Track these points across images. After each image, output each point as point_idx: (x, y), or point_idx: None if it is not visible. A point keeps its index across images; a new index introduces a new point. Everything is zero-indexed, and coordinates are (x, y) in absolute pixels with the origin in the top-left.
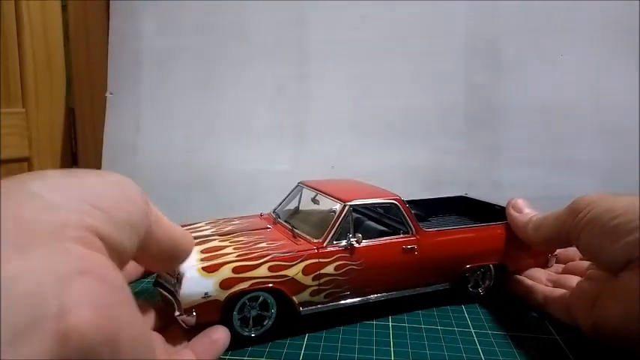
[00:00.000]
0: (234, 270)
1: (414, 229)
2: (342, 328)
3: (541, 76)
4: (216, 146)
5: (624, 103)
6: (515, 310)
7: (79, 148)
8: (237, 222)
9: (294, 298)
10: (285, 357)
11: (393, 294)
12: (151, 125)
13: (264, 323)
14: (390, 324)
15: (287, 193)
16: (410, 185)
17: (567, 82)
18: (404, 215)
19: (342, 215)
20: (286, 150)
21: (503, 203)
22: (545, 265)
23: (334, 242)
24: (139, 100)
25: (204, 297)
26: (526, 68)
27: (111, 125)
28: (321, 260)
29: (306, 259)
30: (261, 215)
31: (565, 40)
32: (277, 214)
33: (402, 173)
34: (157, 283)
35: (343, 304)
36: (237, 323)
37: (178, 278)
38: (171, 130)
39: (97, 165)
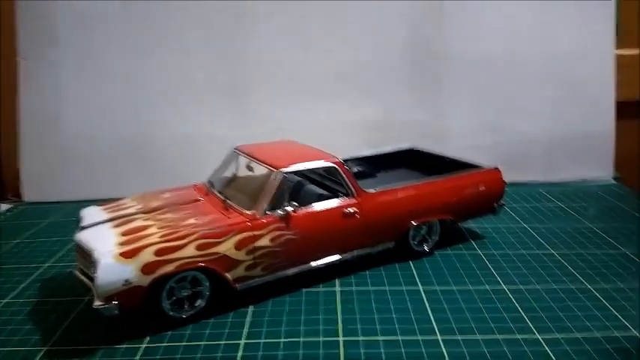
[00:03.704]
0: (157, 252)
1: (354, 192)
2: (287, 298)
3: (485, 24)
4: (148, 112)
5: (571, 50)
6: (462, 263)
7: None
8: (167, 195)
9: (228, 274)
10: (227, 337)
11: (336, 259)
12: (73, 93)
13: (196, 304)
14: (337, 289)
15: (221, 160)
16: (357, 141)
17: (512, 31)
18: (343, 178)
19: (277, 183)
20: (226, 112)
21: (451, 153)
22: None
23: (268, 212)
24: (58, 65)
25: (124, 284)
26: (469, 18)
27: (27, 94)
28: (255, 233)
29: (238, 233)
30: (194, 186)
31: None
32: (211, 184)
33: (349, 129)
34: (77, 269)
35: (283, 274)
36: (167, 307)
37: (94, 265)
38: (97, 97)
39: (16, 138)
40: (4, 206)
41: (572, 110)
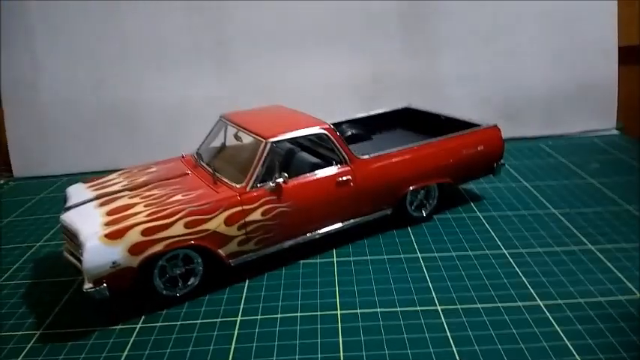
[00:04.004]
0: (144, 232)
1: (347, 159)
2: (284, 270)
3: None
4: (129, 76)
5: None
6: (462, 227)
7: None
8: (153, 169)
9: (220, 251)
10: (223, 314)
11: (331, 229)
12: (49, 57)
13: (190, 282)
14: (335, 259)
15: (209, 129)
16: (349, 99)
17: None
18: (335, 145)
19: (265, 154)
20: (210, 73)
21: (448, 106)
22: (493, 174)
23: (258, 185)
24: (31, 29)
25: (112, 266)
26: None
27: (3, 62)
28: (245, 207)
29: (228, 209)
30: (182, 157)
31: None
32: (199, 155)
33: (339, 87)
34: (66, 250)
35: (278, 247)
36: (160, 286)
37: (80, 248)
38: (75, 62)
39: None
40: None
41: (573, 58)
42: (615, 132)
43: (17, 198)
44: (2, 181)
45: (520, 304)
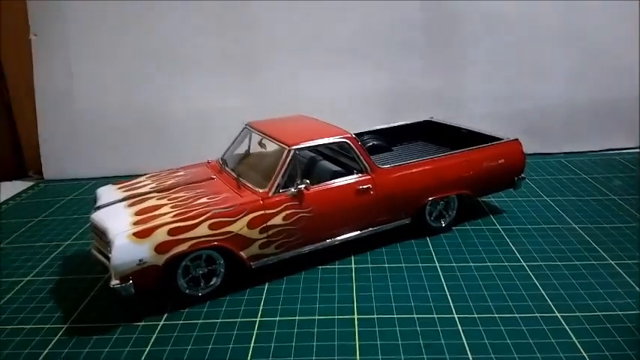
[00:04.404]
0: (170, 232)
1: (368, 168)
2: (303, 275)
3: None
4: (158, 85)
5: (594, 8)
6: (481, 239)
7: (11, 97)
8: (180, 173)
9: (242, 253)
10: (243, 314)
11: (350, 236)
12: (83, 67)
13: (212, 282)
14: (353, 266)
15: (234, 137)
16: (371, 111)
17: None
18: (357, 154)
19: (288, 161)
20: (236, 83)
21: (469, 122)
22: (514, 188)
23: (280, 191)
24: (67, 39)
25: (139, 264)
26: None
27: (40, 70)
28: (267, 212)
29: (251, 212)
30: (208, 163)
31: None
32: (224, 161)
33: (362, 99)
34: (94, 248)
35: (298, 252)
36: (184, 285)
37: (109, 246)
38: (107, 71)
39: (33, 115)
40: (26, 184)
41: (595, 75)
42: (638, 150)
43: (47, 199)
44: (33, 183)
45: (537, 315)
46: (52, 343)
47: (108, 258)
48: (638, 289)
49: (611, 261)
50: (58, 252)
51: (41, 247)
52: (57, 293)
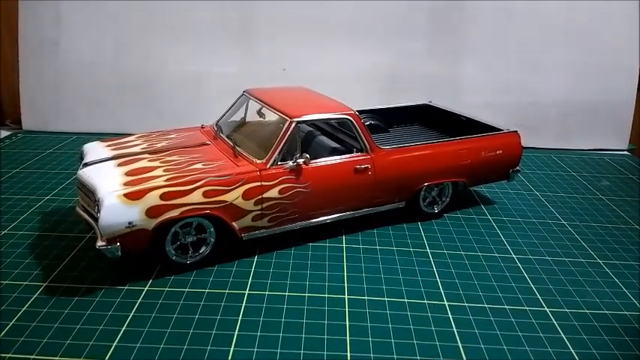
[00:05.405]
0: (163, 196)
1: (368, 147)
2: (293, 250)
3: None
4: (152, 45)
5: (596, 8)
6: (472, 228)
7: None
8: (172, 136)
9: (234, 223)
10: (231, 286)
11: (344, 215)
12: (74, 17)
13: (201, 250)
14: (344, 245)
15: (231, 103)
16: (368, 90)
17: None
18: (358, 132)
19: (289, 133)
20: (232, 49)
21: (464, 109)
22: (507, 180)
23: (279, 163)
24: None
25: (128, 227)
26: None
27: (25, 15)
28: (263, 183)
29: (247, 183)
30: (202, 127)
31: None
32: (219, 128)
33: (359, 77)
34: (79, 206)
35: (290, 227)
36: (171, 252)
37: (97, 205)
38: (99, 24)
39: (14, 62)
40: (3, 133)
41: (593, 75)
42: (626, 153)
43: (25, 150)
44: (10, 132)
45: (527, 308)
46: (31, 300)
47: (95, 218)
48: (625, 290)
49: (598, 260)
50: (37, 207)
51: (19, 200)
52: (36, 249)
